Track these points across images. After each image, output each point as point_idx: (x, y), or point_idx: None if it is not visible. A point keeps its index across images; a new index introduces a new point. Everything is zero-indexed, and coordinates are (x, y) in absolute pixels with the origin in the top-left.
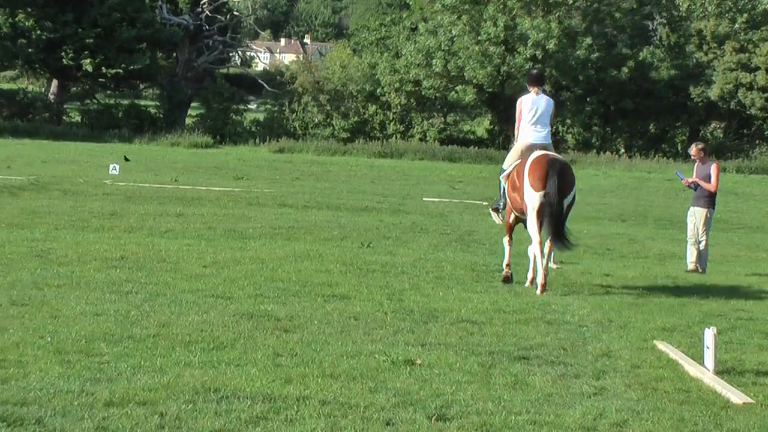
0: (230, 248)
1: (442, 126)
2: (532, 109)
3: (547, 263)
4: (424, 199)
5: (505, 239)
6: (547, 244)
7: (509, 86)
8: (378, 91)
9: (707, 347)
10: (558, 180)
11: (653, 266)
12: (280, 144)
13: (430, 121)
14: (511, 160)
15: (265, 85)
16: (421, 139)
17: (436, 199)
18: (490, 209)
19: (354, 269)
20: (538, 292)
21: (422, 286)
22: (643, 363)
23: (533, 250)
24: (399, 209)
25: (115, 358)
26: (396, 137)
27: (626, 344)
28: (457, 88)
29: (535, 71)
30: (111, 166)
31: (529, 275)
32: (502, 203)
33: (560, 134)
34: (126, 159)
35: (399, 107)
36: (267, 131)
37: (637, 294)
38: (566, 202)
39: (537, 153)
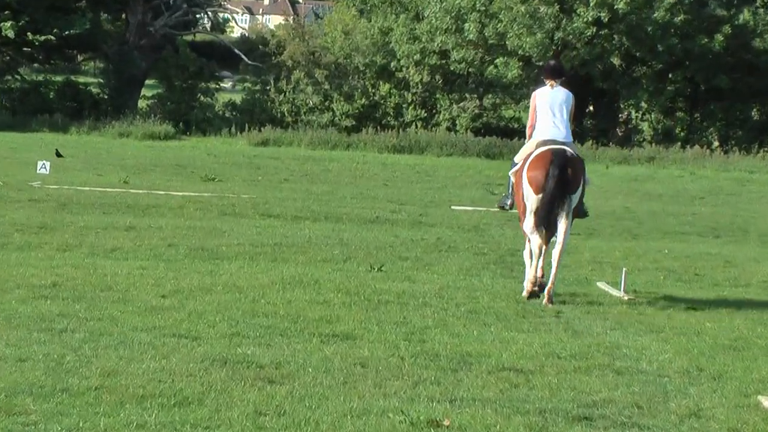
0: (197, 272)
1: (476, 111)
2: (549, 104)
3: (556, 273)
4: (452, 207)
5: (526, 253)
6: (555, 253)
7: (566, 58)
8: (393, 65)
9: None
10: (564, 174)
11: (757, 298)
12: (264, 134)
13: (461, 104)
14: (521, 155)
15: (243, 56)
16: (449, 129)
17: (469, 208)
18: (497, 205)
19: (361, 300)
20: (545, 302)
21: (450, 322)
22: (743, 425)
23: (528, 253)
24: (420, 221)
25: (45, 418)
26: (416, 126)
27: (721, 400)
28: (497, 60)
29: (552, 62)
30: (39, 164)
31: (527, 284)
32: (509, 202)
33: (633, 122)
34: (58, 154)
35: (420, 86)
36: (246, 117)
37: (735, 335)
38: (575, 198)
39: (543, 147)
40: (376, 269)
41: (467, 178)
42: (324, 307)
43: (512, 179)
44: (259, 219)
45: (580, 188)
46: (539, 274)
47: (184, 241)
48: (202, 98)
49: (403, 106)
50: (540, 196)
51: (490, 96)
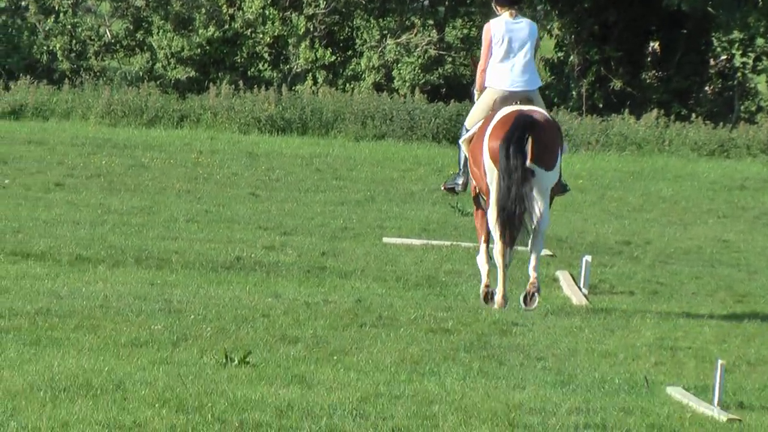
0: None
1: (430, 52)
2: (506, 41)
3: (505, 271)
4: (384, 239)
5: (481, 252)
6: (532, 265)
7: None
8: None
9: None
10: (522, 143)
11: None
12: (14, 96)
13: (402, 38)
14: (476, 116)
15: None
16: (378, 86)
17: (417, 241)
18: (442, 187)
19: (204, 426)
20: (497, 305)
21: None
22: None
23: (496, 252)
24: (322, 266)
25: None
26: (314, 80)
27: None
28: None
29: None
30: None
31: (499, 291)
32: (461, 181)
33: (737, 76)
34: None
35: (323, 4)
36: None
37: None
38: (549, 176)
39: (508, 108)
40: (236, 361)
41: (413, 180)
42: None
43: (465, 151)
44: (4, 262)
45: (558, 161)
46: (500, 291)
47: None
48: None
49: (290, 41)
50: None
51: (458, 23)
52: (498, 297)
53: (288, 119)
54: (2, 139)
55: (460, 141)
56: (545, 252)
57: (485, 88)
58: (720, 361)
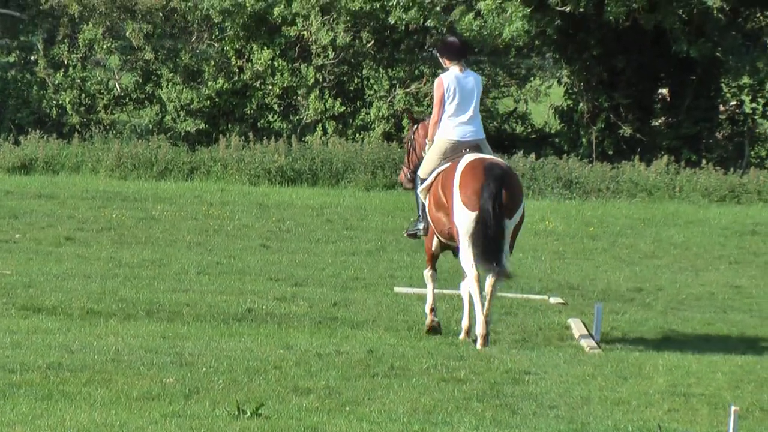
0: None
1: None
2: (457, 95)
3: (490, 306)
4: (395, 289)
5: (427, 273)
6: (489, 280)
7: (615, 4)
8: (277, 12)
9: None
10: (499, 192)
11: None
12: (24, 150)
13: (411, 87)
14: (430, 164)
15: None
16: (387, 136)
17: (428, 290)
18: (405, 234)
19: None
20: (479, 345)
21: None
22: None
23: (467, 287)
24: (333, 316)
25: None
26: (324, 131)
27: None
28: (481, 3)
29: (452, 38)
30: None
31: (464, 323)
32: (422, 227)
33: (746, 122)
34: None
35: (332, 54)
36: None
37: None
38: (511, 224)
39: (470, 156)
40: (248, 413)
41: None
42: None
43: (422, 199)
44: (16, 317)
45: (520, 212)
46: (480, 329)
47: None
48: None
49: (299, 92)
50: (476, 214)
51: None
52: (465, 324)
53: (298, 170)
54: (13, 193)
55: (418, 191)
56: (557, 300)
57: (433, 139)
58: (733, 408)
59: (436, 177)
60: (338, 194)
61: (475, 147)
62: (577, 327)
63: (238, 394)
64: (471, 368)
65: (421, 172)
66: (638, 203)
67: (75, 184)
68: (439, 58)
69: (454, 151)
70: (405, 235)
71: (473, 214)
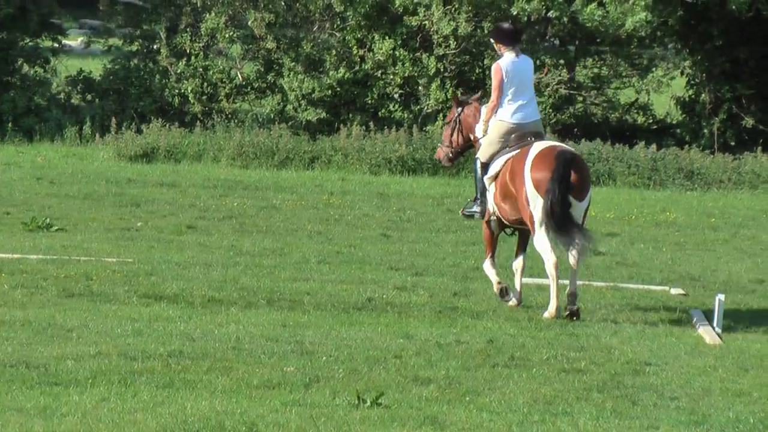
0: (15, 412)
1: (562, 91)
2: (515, 78)
3: (574, 281)
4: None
5: (488, 263)
6: (573, 255)
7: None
8: (399, 1)
9: None
10: (569, 175)
11: None
12: (145, 139)
13: (536, 76)
14: (490, 148)
15: None
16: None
17: (547, 280)
18: (461, 213)
19: None
20: (547, 315)
21: None
22: None
23: (550, 271)
24: (454, 306)
25: None
26: (443, 116)
27: None
28: None
29: (507, 26)
30: None
31: (554, 302)
32: (479, 210)
33: None
34: None
35: (455, 43)
36: (112, 106)
37: None
38: (582, 206)
39: (540, 145)
40: (368, 402)
41: None
42: None
43: (486, 183)
44: (138, 305)
45: (589, 195)
46: (553, 304)
47: None
48: (25, 69)
49: (420, 81)
50: (549, 198)
51: (588, 62)
52: (552, 308)
53: (418, 160)
54: (135, 181)
55: (485, 179)
56: (678, 291)
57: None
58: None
59: (503, 165)
60: (459, 184)
61: (538, 133)
62: (698, 318)
63: (358, 383)
64: (591, 359)
65: (482, 156)
66: (760, 194)
67: (196, 172)
68: (494, 44)
69: (516, 135)
70: (461, 214)
71: (546, 199)
